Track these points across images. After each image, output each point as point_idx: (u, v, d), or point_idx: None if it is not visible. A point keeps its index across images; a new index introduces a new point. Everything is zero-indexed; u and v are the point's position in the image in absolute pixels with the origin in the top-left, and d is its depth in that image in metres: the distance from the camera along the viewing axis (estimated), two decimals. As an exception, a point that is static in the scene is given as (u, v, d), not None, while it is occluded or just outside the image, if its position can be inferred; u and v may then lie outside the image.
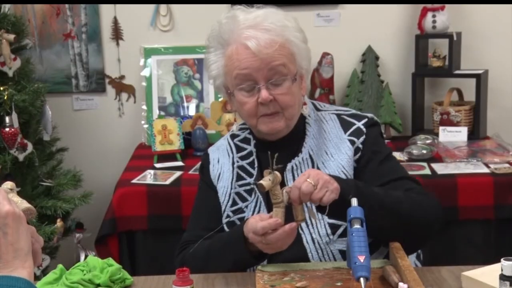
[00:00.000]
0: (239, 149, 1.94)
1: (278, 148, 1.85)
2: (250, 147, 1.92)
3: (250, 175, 1.89)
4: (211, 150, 2.00)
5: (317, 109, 1.94)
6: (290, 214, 1.65)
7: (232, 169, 1.91)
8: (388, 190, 1.76)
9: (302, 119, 1.89)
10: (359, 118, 1.90)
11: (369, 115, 1.92)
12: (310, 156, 1.86)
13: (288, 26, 1.80)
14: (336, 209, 1.62)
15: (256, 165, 1.89)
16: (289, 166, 1.84)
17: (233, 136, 1.97)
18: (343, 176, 1.81)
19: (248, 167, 1.90)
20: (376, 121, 1.92)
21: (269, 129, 1.82)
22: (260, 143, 1.91)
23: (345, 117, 1.91)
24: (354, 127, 1.88)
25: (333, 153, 1.85)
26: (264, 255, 1.74)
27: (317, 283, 1.65)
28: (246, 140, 1.94)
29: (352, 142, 1.85)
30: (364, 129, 1.87)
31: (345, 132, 1.87)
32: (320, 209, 1.65)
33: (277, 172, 1.63)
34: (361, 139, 1.86)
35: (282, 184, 1.67)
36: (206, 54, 1.89)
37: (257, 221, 1.66)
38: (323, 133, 1.88)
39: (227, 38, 1.80)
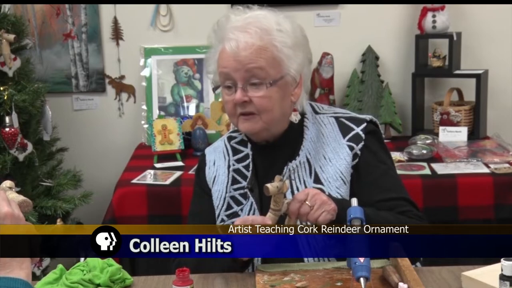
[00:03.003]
0: (235, 151, 1.93)
1: (275, 150, 1.85)
2: (247, 150, 1.91)
3: (245, 178, 1.88)
4: (207, 151, 1.99)
5: (316, 112, 1.92)
6: (281, 223, 1.67)
7: (228, 173, 1.90)
8: (379, 211, 1.75)
9: (300, 121, 1.88)
10: (358, 122, 1.88)
11: (368, 117, 1.90)
12: (308, 159, 1.84)
13: (274, 29, 1.77)
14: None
15: (251, 167, 1.88)
16: (285, 169, 1.83)
17: (230, 138, 1.96)
18: (341, 182, 1.81)
19: (243, 170, 1.89)
20: (375, 124, 1.91)
21: (246, 129, 1.82)
22: (257, 145, 1.90)
23: (343, 120, 1.89)
24: (353, 132, 1.86)
25: (331, 158, 1.84)
26: (247, 262, 1.75)
27: (317, 283, 1.65)
28: (243, 143, 1.93)
29: (351, 148, 1.84)
30: (363, 135, 1.85)
31: (343, 137, 1.86)
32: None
33: (287, 182, 1.66)
34: (360, 145, 1.84)
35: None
36: (208, 50, 1.90)
37: (248, 217, 1.69)
38: (321, 137, 1.87)
39: (219, 36, 1.81)
